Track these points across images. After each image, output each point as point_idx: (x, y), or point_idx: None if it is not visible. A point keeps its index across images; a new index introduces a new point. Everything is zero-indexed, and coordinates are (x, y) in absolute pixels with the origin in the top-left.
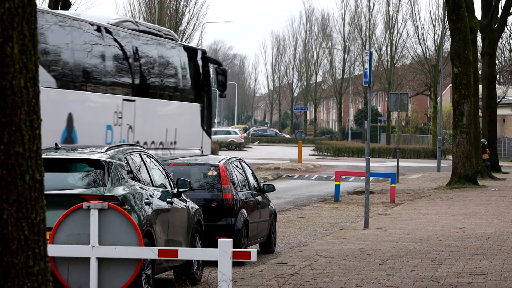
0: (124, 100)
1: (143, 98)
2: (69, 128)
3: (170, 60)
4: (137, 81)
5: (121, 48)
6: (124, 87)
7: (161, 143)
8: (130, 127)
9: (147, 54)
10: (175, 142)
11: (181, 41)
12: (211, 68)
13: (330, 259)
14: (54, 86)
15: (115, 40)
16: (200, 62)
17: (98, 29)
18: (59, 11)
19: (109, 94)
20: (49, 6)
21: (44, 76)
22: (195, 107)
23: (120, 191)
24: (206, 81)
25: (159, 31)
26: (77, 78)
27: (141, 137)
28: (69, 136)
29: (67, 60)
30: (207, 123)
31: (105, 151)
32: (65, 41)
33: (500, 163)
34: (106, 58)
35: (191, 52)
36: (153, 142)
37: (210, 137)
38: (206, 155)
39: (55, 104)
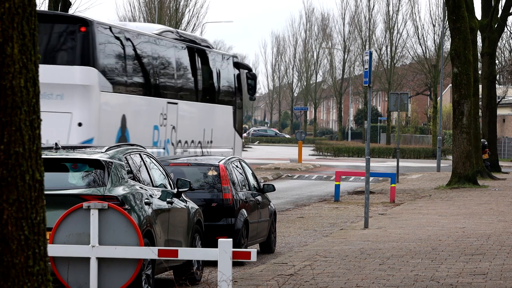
0: (169, 103)
1: (184, 101)
2: (123, 129)
3: (207, 65)
4: (179, 86)
5: (166, 55)
6: (169, 91)
7: (199, 142)
8: (174, 127)
9: (187, 60)
10: (211, 141)
11: None
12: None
13: (330, 259)
14: (111, 90)
15: (162, 48)
16: (232, 67)
17: (148, 39)
18: (115, 24)
19: (156, 98)
20: (49, 6)
21: (102, 81)
22: (228, 109)
23: (120, 191)
24: (238, 85)
25: (196, 39)
26: (129, 84)
27: (182, 136)
28: (123, 136)
29: (121, 67)
30: (238, 124)
31: (105, 151)
32: (120, 50)
33: (500, 163)
34: (154, 65)
35: (224, 58)
36: (192, 141)
37: (241, 137)
38: (206, 155)
39: (111, 107)
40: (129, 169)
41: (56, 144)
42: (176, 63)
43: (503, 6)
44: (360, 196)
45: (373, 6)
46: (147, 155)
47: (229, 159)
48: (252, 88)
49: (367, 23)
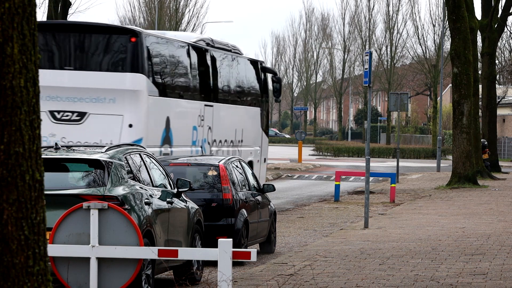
0: (205, 105)
1: (219, 103)
2: (167, 129)
3: (238, 70)
4: (214, 89)
5: (203, 62)
6: (205, 94)
7: (231, 141)
8: (210, 127)
9: (220, 66)
10: (241, 141)
11: None
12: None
13: (330, 259)
14: (157, 95)
15: (199, 55)
16: (259, 71)
17: (187, 47)
18: (159, 34)
19: (195, 101)
20: (49, 6)
21: (150, 86)
22: (257, 111)
23: (120, 191)
24: (264, 88)
25: (227, 46)
26: (172, 88)
27: (217, 136)
28: (167, 136)
29: (165, 73)
30: (265, 124)
31: (105, 151)
32: (164, 58)
33: (500, 163)
34: (192, 71)
35: (253, 63)
36: (225, 141)
37: (268, 136)
38: (206, 155)
39: (157, 109)
40: (129, 169)
41: (56, 144)
42: (211, 68)
43: (503, 6)
44: (360, 196)
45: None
46: (147, 155)
47: (229, 159)
48: (277, 91)
49: (367, 23)
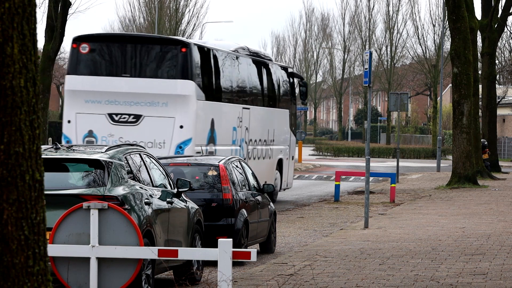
0: (243, 108)
1: (254, 106)
2: (212, 130)
3: (269, 75)
4: (250, 93)
5: (241, 69)
6: (243, 98)
7: (264, 140)
8: (247, 128)
9: (255, 72)
10: (273, 140)
11: None
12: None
13: (330, 259)
14: (204, 99)
15: (238, 63)
16: (288, 76)
17: (228, 55)
18: (205, 44)
19: (235, 104)
20: (49, 6)
21: (198, 92)
22: (286, 113)
23: (120, 191)
24: (292, 91)
25: (260, 54)
26: (216, 93)
27: (253, 136)
28: (212, 136)
29: (210, 79)
30: (293, 125)
31: (105, 151)
32: (209, 65)
33: (500, 163)
34: (233, 77)
35: (282, 69)
36: (260, 140)
37: (296, 136)
38: (206, 155)
39: (204, 112)
40: (129, 169)
41: (56, 144)
42: (248, 74)
43: (503, 6)
44: (360, 196)
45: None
46: (147, 155)
47: (229, 159)
48: (304, 94)
49: (367, 23)
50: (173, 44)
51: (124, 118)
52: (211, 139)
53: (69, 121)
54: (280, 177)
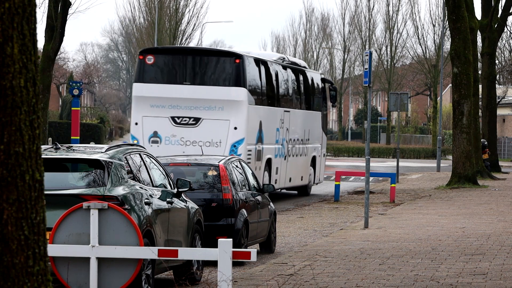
0: (284, 111)
1: (293, 109)
2: (260, 131)
3: (305, 82)
4: (290, 97)
5: (283, 76)
6: (284, 102)
7: (301, 139)
8: (287, 129)
9: (294, 78)
10: (308, 139)
11: (181, 41)
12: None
13: (330, 259)
14: (254, 104)
15: (280, 71)
16: (320, 82)
17: (272, 64)
18: (254, 55)
19: (278, 108)
20: (49, 6)
21: (249, 97)
22: (318, 115)
23: (120, 191)
24: (324, 95)
25: (297, 62)
26: (263, 98)
27: (292, 136)
28: (260, 136)
29: (259, 86)
30: (324, 125)
31: (105, 151)
32: (258, 74)
33: (500, 163)
34: (276, 83)
35: (315, 75)
36: (297, 139)
37: (326, 136)
38: (206, 155)
39: (254, 115)
40: (129, 169)
41: (56, 144)
42: (288, 81)
43: (503, 6)
44: (360, 196)
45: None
46: (147, 155)
47: (229, 159)
48: (333, 98)
49: (367, 23)
50: (228, 56)
51: (185, 120)
52: (259, 139)
53: (136, 123)
54: (314, 172)
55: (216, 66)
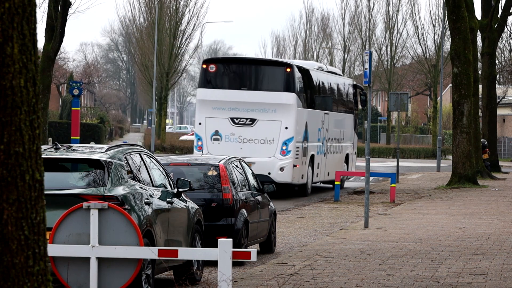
0: (324, 113)
1: (331, 112)
2: (306, 130)
3: (341, 88)
4: (329, 102)
5: (323, 82)
6: (324, 105)
7: (337, 139)
8: (327, 129)
9: (331, 84)
10: (343, 139)
11: (181, 41)
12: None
13: (330, 259)
14: (301, 107)
15: (321, 78)
16: (352, 87)
17: (316, 73)
18: (301, 64)
19: (319, 110)
20: (49, 6)
21: (297, 101)
22: (351, 117)
23: (120, 191)
24: (355, 99)
25: (333, 69)
26: (308, 102)
27: (330, 135)
28: (306, 135)
29: (305, 91)
30: (356, 126)
31: (105, 151)
32: (304, 81)
33: (500, 163)
34: (318, 89)
35: (348, 81)
36: (334, 138)
37: (358, 136)
38: (206, 155)
39: (301, 117)
40: (129, 169)
41: (56, 144)
42: (327, 86)
43: (503, 6)
44: (360, 196)
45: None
46: (147, 155)
47: (229, 159)
48: (363, 102)
49: (367, 23)
50: (280, 65)
51: (243, 121)
52: (305, 138)
53: (200, 123)
54: (347, 168)
55: (270, 74)
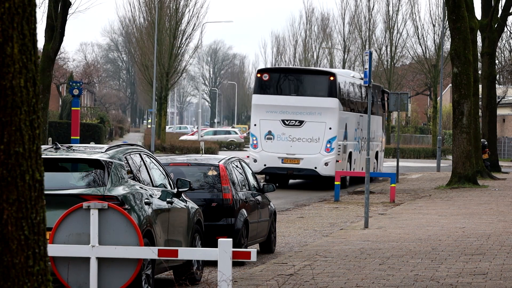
0: (360, 115)
1: (364, 114)
2: (346, 131)
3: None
4: (363, 105)
5: (359, 89)
6: (358, 108)
7: (369, 138)
8: (361, 129)
9: (364, 90)
10: (374, 137)
11: (181, 41)
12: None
13: (330, 259)
14: (342, 110)
15: (356, 85)
16: (381, 92)
17: (353, 80)
18: (341, 73)
19: (355, 113)
20: (49, 6)
21: (339, 105)
22: (380, 118)
23: (120, 191)
24: (383, 103)
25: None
26: (347, 106)
27: (363, 135)
28: (345, 135)
29: (345, 97)
30: (384, 127)
31: (105, 151)
32: (344, 87)
33: (500, 163)
34: (354, 94)
35: (378, 87)
36: (366, 138)
37: (385, 136)
38: (206, 155)
39: (342, 119)
40: (129, 169)
41: (56, 144)
42: (361, 92)
43: (503, 6)
44: (360, 196)
45: (373, 6)
46: (147, 155)
47: (229, 159)
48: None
49: (367, 23)
50: (324, 74)
51: (292, 122)
52: (345, 137)
53: (255, 125)
54: (377, 164)
55: (316, 82)
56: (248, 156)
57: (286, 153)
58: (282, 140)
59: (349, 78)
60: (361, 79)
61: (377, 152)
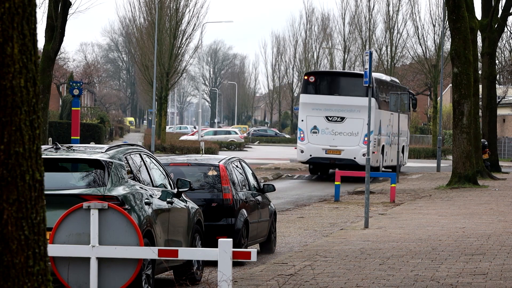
0: (391, 113)
1: (394, 112)
2: (380, 127)
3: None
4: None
5: (389, 90)
6: (389, 107)
7: (397, 133)
8: (392, 126)
9: (395, 91)
10: (401, 133)
11: (181, 41)
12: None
13: (330, 259)
14: (378, 108)
15: (387, 86)
16: (407, 93)
17: (386, 82)
18: (377, 76)
19: (387, 111)
20: (49, 6)
21: (376, 104)
22: (406, 116)
23: (120, 191)
24: (408, 102)
25: (393, 79)
26: (382, 105)
27: (394, 131)
28: (380, 130)
29: (379, 97)
30: (409, 125)
31: (105, 151)
32: (379, 88)
33: (500, 163)
34: (385, 94)
35: (404, 88)
36: (395, 133)
37: (410, 132)
38: (206, 155)
39: (378, 116)
40: (129, 169)
41: (56, 144)
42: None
43: (503, 6)
44: (360, 196)
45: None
46: (147, 155)
47: (229, 159)
48: (414, 105)
49: (367, 23)
50: (363, 77)
51: (335, 119)
52: (379, 132)
53: (302, 120)
54: (403, 157)
55: (355, 83)
56: (295, 148)
57: (329, 145)
58: (325, 133)
59: (383, 81)
60: (393, 81)
61: (403, 147)
